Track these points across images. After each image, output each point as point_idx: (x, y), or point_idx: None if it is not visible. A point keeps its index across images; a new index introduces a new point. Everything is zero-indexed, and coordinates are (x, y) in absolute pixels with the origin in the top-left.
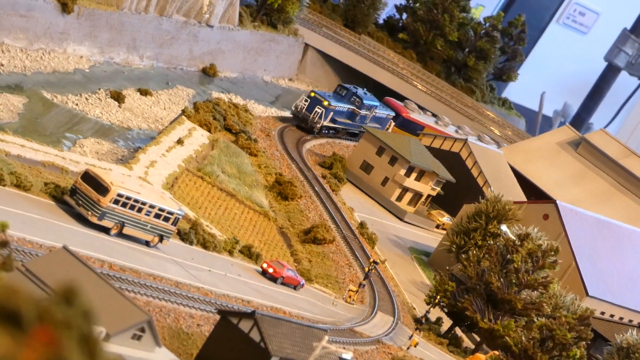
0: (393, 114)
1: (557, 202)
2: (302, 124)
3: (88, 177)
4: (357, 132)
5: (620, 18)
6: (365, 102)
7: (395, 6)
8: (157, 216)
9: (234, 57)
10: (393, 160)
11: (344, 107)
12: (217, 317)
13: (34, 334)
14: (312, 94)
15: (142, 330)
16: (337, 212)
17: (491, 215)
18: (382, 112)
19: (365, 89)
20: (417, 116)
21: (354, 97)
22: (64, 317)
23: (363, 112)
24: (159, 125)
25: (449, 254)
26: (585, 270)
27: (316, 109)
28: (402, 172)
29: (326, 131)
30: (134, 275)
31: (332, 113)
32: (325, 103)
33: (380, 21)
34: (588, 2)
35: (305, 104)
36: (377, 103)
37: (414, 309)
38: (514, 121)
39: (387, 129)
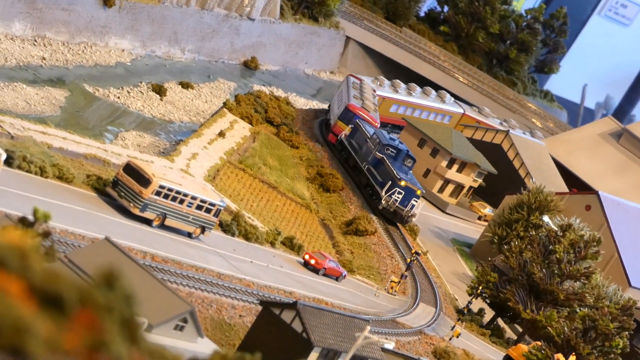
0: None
1: (600, 193)
2: (394, 219)
3: (130, 169)
4: None
5: None
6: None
7: None
8: (199, 208)
9: (275, 50)
10: (435, 152)
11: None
12: (259, 307)
13: (75, 318)
14: (403, 183)
15: (185, 321)
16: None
17: (533, 207)
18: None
19: (391, 134)
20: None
21: (407, 159)
22: (106, 301)
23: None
24: (200, 118)
25: (491, 245)
26: (627, 260)
27: (412, 201)
28: (444, 163)
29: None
30: (176, 267)
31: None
32: (419, 192)
33: (422, 14)
34: None
35: (399, 197)
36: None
37: (456, 300)
38: (556, 113)
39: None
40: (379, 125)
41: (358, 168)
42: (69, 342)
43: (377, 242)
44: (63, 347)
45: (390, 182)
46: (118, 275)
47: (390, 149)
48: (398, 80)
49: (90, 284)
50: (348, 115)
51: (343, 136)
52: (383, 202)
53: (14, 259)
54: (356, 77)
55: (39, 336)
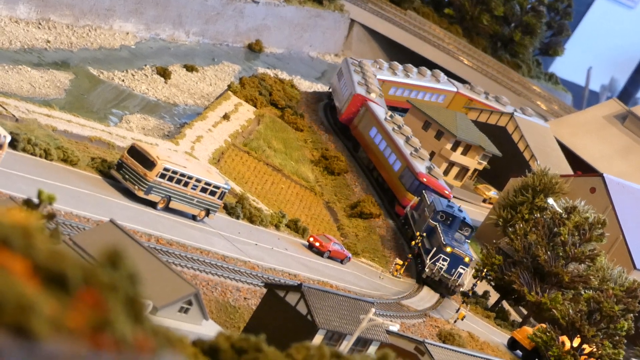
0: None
1: (604, 175)
2: (440, 289)
3: (134, 152)
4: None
5: None
6: (471, 225)
7: None
8: (204, 190)
9: (279, 33)
10: (439, 135)
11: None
12: (264, 290)
13: (79, 297)
14: (449, 250)
15: (189, 303)
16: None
17: (538, 189)
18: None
19: (451, 202)
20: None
21: (462, 226)
22: (110, 280)
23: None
24: (205, 101)
25: (495, 228)
26: (632, 242)
27: (459, 269)
28: (449, 146)
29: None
30: (181, 249)
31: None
32: (467, 260)
33: None
34: None
35: (444, 265)
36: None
37: None
38: (561, 96)
39: None
40: (451, 195)
41: (414, 238)
42: (73, 320)
43: (382, 224)
44: (67, 326)
45: (435, 249)
46: (122, 255)
47: (444, 215)
48: (396, 62)
49: (95, 264)
50: (415, 183)
51: (409, 209)
52: (427, 270)
53: (18, 238)
54: (358, 62)
55: (43, 315)
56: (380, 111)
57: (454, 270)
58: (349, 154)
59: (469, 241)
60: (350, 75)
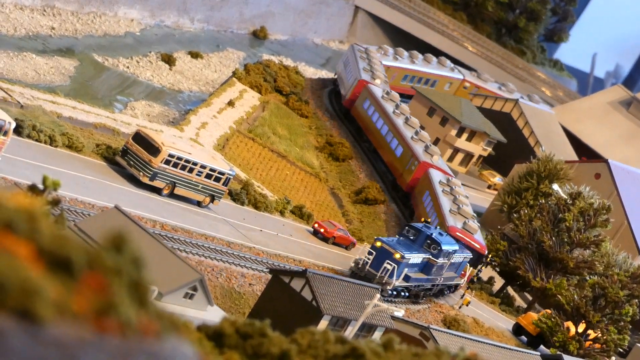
0: (471, 255)
1: (609, 161)
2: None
3: (139, 138)
4: (430, 287)
5: None
6: (444, 248)
7: None
8: (208, 176)
9: (284, 19)
10: (444, 121)
11: (418, 257)
12: (269, 276)
13: (84, 281)
14: (378, 244)
15: (195, 289)
16: (388, 172)
17: (542, 175)
18: (460, 255)
19: (438, 227)
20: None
21: (429, 242)
22: (114, 264)
23: (440, 261)
24: (209, 88)
25: (500, 214)
26: (637, 228)
27: (385, 264)
28: (453, 132)
29: (394, 292)
30: (186, 235)
31: (406, 269)
32: (397, 256)
33: None
34: None
35: (369, 259)
36: (456, 247)
37: None
38: (565, 82)
39: (463, 275)
40: (485, 251)
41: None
42: (78, 304)
43: (386, 210)
44: (71, 310)
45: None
46: (126, 239)
47: (409, 229)
48: (401, 49)
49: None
50: (478, 259)
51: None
52: (352, 263)
53: (23, 222)
54: (364, 49)
55: (47, 298)
56: (379, 92)
57: (380, 266)
58: (354, 140)
59: (438, 260)
60: (357, 62)
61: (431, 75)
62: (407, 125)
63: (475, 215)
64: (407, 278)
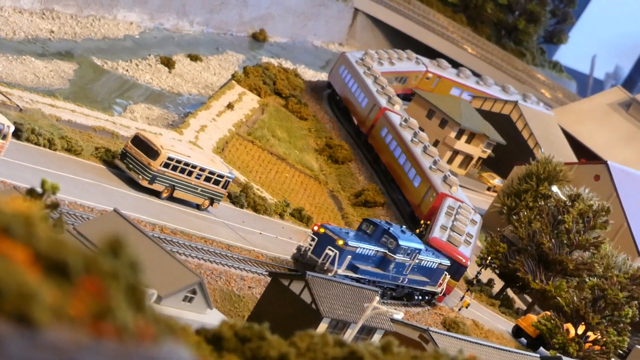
0: (448, 262)
1: (608, 162)
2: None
3: (138, 141)
4: (393, 286)
5: None
6: (401, 243)
7: None
8: (208, 179)
9: (283, 22)
10: (443, 123)
11: (369, 249)
12: (268, 279)
13: (81, 285)
14: (322, 230)
15: (194, 292)
16: (388, 174)
17: (542, 177)
18: (431, 259)
19: (404, 226)
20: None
21: (386, 237)
22: (111, 268)
23: (399, 257)
24: (209, 91)
25: (500, 216)
26: (637, 230)
27: (327, 250)
28: (453, 134)
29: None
30: (185, 238)
31: (349, 257)
32: (340, 242)
33: None
34: None
35: (311, 245)
36: (420, 246)
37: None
38: (565, 84)
39: (441, 284)
40: (467, 263)
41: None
42: (74, 308)
43: (386, 213)
44: (68, 314)
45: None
46: (123, 243)
47: (368, 224)
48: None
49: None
50: (460, 270)
51: None
52: (295, 250)
53: (20, 226)
54: (362, 60)
55: (44, 303)
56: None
57: (322, 251)
58: (354, 142)
59: (396, 257)
60: (364, 81)
61: (401, 73)
62: (426, 155)
63: (471, 234)
64: (354, 269)
